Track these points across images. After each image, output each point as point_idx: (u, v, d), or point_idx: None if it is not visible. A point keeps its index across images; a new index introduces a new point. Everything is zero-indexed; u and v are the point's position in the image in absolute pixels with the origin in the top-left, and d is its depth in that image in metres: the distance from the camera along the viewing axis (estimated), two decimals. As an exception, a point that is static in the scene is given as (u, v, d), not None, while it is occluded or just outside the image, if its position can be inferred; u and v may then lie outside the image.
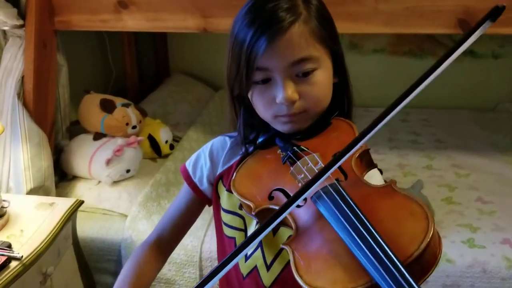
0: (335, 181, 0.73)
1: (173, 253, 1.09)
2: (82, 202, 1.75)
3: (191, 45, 3.23)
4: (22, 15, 1.85)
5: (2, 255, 1.39)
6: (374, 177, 0.91)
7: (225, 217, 0.98)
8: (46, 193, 1.93)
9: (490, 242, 1.77)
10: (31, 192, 1.86)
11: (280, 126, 0.90)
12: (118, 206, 1.99)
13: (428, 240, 0.61)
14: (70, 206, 1.69)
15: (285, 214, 0.71)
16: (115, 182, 2.04)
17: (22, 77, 1.88)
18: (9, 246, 1.45)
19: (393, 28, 1.84)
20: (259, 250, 0.91)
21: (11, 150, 1.86)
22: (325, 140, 0.87)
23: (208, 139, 1.08)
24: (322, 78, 0.85)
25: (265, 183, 0.83)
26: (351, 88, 0.96)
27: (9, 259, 1.39)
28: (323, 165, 0.78)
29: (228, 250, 0.99)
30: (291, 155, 0.84)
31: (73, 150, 2.09)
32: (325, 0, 1.74)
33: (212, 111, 2.82)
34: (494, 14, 0.67)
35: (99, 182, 2.06)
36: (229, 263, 0.69)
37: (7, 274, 1.36)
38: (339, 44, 0.91)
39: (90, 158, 2.02)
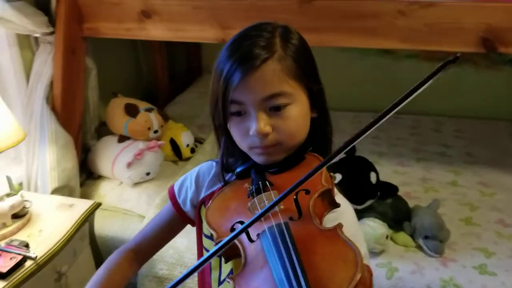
0: (282, 222, 0.75)
1: (165, 253, 1.14)
2: (99, 205, 1.83)
3: (224, 44, 3.27)
4: (52, 22, 1.94)
5: (19, 254, 1.49)
6: (344, 213, 0.90)
7: (205, 242, 1.02)
8: (70, 192, 2.04)
9: (503, 269, 1.73)
10: (55, 191, 1.98)
11: (256, 157, 0.92)
12: (137, 207, 2.07)
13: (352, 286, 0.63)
14: (88, 208, 1.78)
15: (222, 250, 0.73)
16: (136, 184, 2.13)
17: (51, 82, 1.99)
18: (27, 245, 1.55)
19: (412, 44, 1.81)
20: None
21: (39, 151, 1.97)
22: (294, 175, 0.89)
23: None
24: (296, 113, 0.87)
25: (230, 215, 0.86)
26: (330, 123, 0.98)
27: (25, 258, 1.49)
28: (279, 207, 0.80)
29: (205, 274, 1.04)
30: (254, 191, 0.86)
31: (99, 151, 2.19)
32: (343, 14, 1.74)
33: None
34: (454, 61, 0.68)
35: (121, 182, 2.15)
36: None
37: (22, 272, 1.46)
38: (317, 80, 0.92)
39: (113, 159, 2.12)
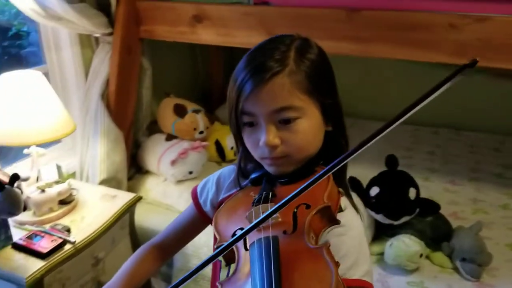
0: (271, 235, 0.76)
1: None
2: (140, 198, 1.93)
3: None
4: (112, 24, 2.07)
5: (60, 237, 1.61)
6: (351, 230, 0.89)
7: None
8: (117, 184, 2.16)
9: (543, 301, 1.62)
10: (104, 182, 2.10)
11: (267, 167, 0.94)
12: (178, 203, 2.15)
13: None
14: (129, 200, 1.88)
15: (218, 256, 0.76)
16: (179, 181, 2.21)
17: (107, 80, 2.11)
18: (68, 230, 1.67)
19: (462, 59, 1.72)
20: None
21: (92, 144, 2.11)
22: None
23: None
24: (305, 127, 0.88)
25: (234, 221, 0.89)
26: (346, 136, 0.97)
27: (65, 242, 1.60)
28: (277, 219, 0.81)
29: (216, 272, 1.07)
30: (256, 200, 0.88)
31: (148, 147, 2.29)
32: (392, 25, 1.71)
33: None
34: (472, 65, 0.67)
35: (165, 179, 2.24)
36: None
37: (61, 254, 1.57)
38: (332, 95, 0.92)
39: (159, 156, 2.21)
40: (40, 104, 1.64)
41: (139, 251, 1.13)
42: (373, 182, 1.92)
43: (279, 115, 0.86)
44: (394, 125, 0.74)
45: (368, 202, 1.88)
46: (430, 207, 1.91)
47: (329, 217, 0.83)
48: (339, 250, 0.85)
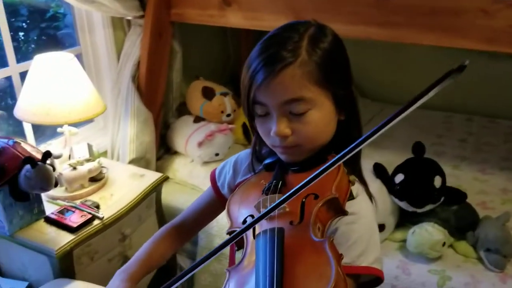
0: (277, 227, 0.78)
1: (208, 225, 1.24)
2: (167, 178, 1.99)
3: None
4: (143, 7, 2.11)
5: (89, 213, 1.68)
6: (362, 218, 0.90)
7: None
8: (146, 164, 2.22)
9: None
10: (133, 161, 2.17)
11: (279, 154, 0.96)
12: (204, 184, 2.19)
13: None
14: (156, 180, 1.94)
15: (227, 246, 0.78)
16: (205, 163, 2.25)
17: (138, 62, 2.16)
18: (97, 206, 1.74)
19: (493, 46, 1.69)
20: None
21: (122, 124, 2.17)
22: None
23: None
24: (316, 118, 0.88)
25: (245, 208, 0.91)
26: (359, 126, 0.98)
27: (93, 217, 1.67)
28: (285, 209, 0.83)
29: (232, 253, 1.11)
30: (266, 189, 0.90)
31: (176, 129, 2.35)
32: (420, 9, 1.68)
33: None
34: (461, 69, 0.65)
35: (192, 160, 2.29)
36: (182, 277, 0.80)
37: (89, 229, 1.64)
38: (345, 85, 0.92)
39: (187, 138, 2.26)
40: (72, 85, 1.70)
41: (158, 232, 1.18)
42: (398, 169, 1.91)
43: (289, 106, 0.87)
44: (392, 123, 0.72)
45: (392, 189, 1.87)
46: (456, 196, 1.89)
47: (337, 208, 0.84)
48: (348, 238, 0.87)
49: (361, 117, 0.98)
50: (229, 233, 0.88)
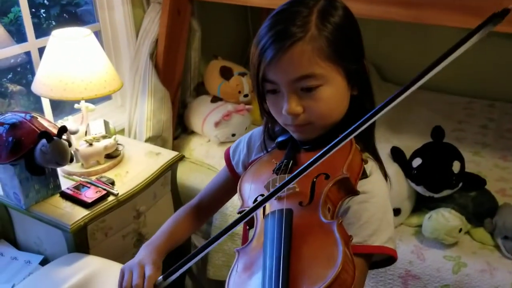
0: (285, 208, 0.77)
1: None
2: (182, 156, 1.99)
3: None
4: (163, -16, 2.10)
5: (104, 189, 1.69)
6: (374, 197, 0.88)
7: None
8: (163, 142, 2.23)
9: None
10: (149, 139, 2.17)
11: (291, 133, 0.94)
12: (220, 164, 2.19)
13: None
14: (172, 158, 1.94)
15: (236, 226, 0.78)
16: (222, 143, 2.25)
17: (157, 40, 2.15)
18: (112, 183, 1.75)
19: (520, 27, 1.64)
20: None
21: (140, 102, 2.18)
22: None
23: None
24: (328, 94, 0.86)
25: (256, 186, 0.90)
26: (373, 100, 0.95)
27: (108, 194, 1.69)
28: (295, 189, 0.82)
29: (245, 232, 1.10)
30: (277, 168, 0.89)
31: (193, 108, 2.34)
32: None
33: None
34: (504, 13, 0.64)
35: (209, 140, 2.29)
36: (195, 257, 0.81)
37: (104, 205, 1.65)
38: (357, 59, 0.90)
39: (204, 117, 2.26)
40: (88, 61, 1.70)
41: (178, 212, 1.18)
42: (416, 153, 1.88)
43: (300, 83, 0.85)
44: (420, 82, 0.70)
45: (409, 173, 1.84)
46: (475, 181, 1.85)
47: (348, 188, 0.83)
48: (360, 217, 0.85)
49: (374, 92, 0.95)
50: (239, 212, 0.87)
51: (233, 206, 2.00)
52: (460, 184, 1.80)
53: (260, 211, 0.83)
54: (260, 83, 0.89)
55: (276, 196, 0.78)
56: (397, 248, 1.78)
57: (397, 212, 1.81)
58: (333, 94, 0.87)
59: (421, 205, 1.89)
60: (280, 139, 0.99)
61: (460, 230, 1.74)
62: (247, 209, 0.82)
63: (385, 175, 0.97)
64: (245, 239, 1.12)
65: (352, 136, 0.73)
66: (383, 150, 1.96)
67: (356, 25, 0.91)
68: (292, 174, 0.75)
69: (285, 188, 0.78)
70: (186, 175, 2.20)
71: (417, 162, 1.83)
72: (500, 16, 0.61)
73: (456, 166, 1.80)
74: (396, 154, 1.91)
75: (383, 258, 0.89)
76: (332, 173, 0.82)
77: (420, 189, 1.82)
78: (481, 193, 1.85)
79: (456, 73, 2.87)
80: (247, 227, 0.94)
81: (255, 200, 0.86)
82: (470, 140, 2.48)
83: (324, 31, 0.84)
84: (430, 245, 1.76)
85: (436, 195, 1.80)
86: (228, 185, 1.15)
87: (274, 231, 0.74)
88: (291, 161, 0.90)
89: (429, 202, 1.85)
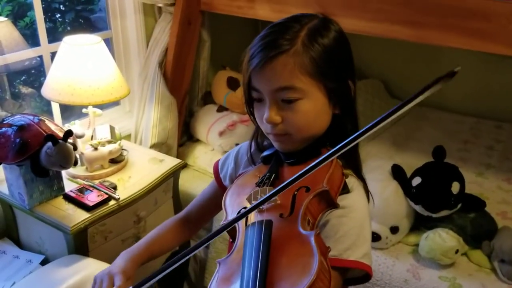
0: (265, 220, 0.79)
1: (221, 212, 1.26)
2: (185, 164, 2.02)
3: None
4: (175, -6, 2.14)
5: (106, 193, 1.73)
6: (354, 211, 0.91)
7: None
8: (168, 149, 2.26)
9: None
10: (154, 146, 2.21)
11: (273, 142, 0.97)
12: (223, 174, 2.22)
13: None
14: (174, 165, 1.97)
15: (219, 234, 0.80)
16: (226, 152, 2.26)
17: (166, 49, 2.20)
18: (115, 187, 1.78)
19: (523, 51, 1.65)
20: None
21: (147, 109, 2.22)
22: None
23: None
24: (306, 108, 0.89)
25: (240, 199, 0.92)
26: (355, 121, 0.98)
27: (109, 198, 1.72)
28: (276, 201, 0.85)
29: (230, 245, 1.12)
30: (259, 182, 0.91)
31: (200, 117, 2.38)
32: (449, 11, 1.65)
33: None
34: (452, 74, 0.66)
35: (213, 149, 2.32)
36: (172, 265, 0.81)
37: (106, 209, 1.69)
38: (341, 80, 0.93)
39: (209, 126, 2.29)
40: (97, 68, 1.75)
41: (164, 223, 1.21)
42: (416, 172, 1.88)
43: (281, 94, 0.89)
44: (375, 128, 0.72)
45: (409, 192, 1.85)
46: (474, 203, 1.85)
47: (328, 200, 0.85)
48: (337, 231, 0.88)
49: (358, 112, 0.98)
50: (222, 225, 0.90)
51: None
52: (459, 205, 1.81)
53: (242, 224, 0.85)
54: (247, 90, 0.93)
55: (258, 208, 0.81)
56: (393, 266, 1.79)
57: (395, 230, 1.82)
58: (311, 108, 0.90)
59: (419, 224, 1.89)
60: (265, 153, 1.02)
61: (457, 251, 1.74)
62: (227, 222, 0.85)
63: (367, 193, 1.00)
64: (230, 248, 1.14)
65: (333, 158, 0.75)
66: (385, 167, 1.97)
67: (346, 49, 0.95)
68: (275, 190, 0.77)
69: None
70: (189, 183, 2.23)
71: (416, 181, 1.84)
72: (450, 76, 0.64)
73: (455, 187, 1.80)
74: (397, 172, 1.92)
75: (358, 275, 0.90)
76: (312, 186, 0.84)
77: (418, 208, 1.83)
78: (481, 215, 1.85)
79: (465, 93, 2.89)
80: (230, 240, 0.96)
81: (238, 212, 0.88)
82: (475, 161, 2.47)
83: (309, 48, 0.88)
84: (426, 264, 1.77)
85: (434, 215, 1.80)
86: (216, 198, 1.16)
87: (253, 242, 0.76)
88: (273, 175, 0.92)
89: (427, 221, 1.85)
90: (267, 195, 0.78)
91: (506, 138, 2.74)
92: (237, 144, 2.24)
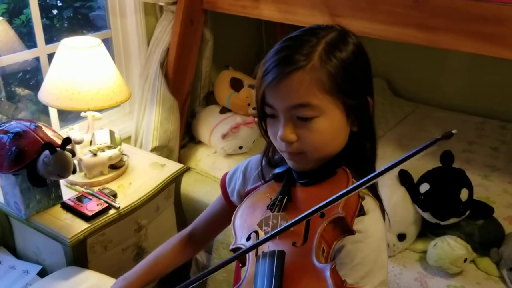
0: (277, 250, 0.75)
1: None
2: (188, 169, 1.97)
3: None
4: (176, -7, 2.07)
5: (106, 202, 1.67)
6: (369, 237, 0.86)
7: None
8: (169, 152, 2.21)
9: None
10: (155, 149, 2.16)
11: (286, 160, 0.92)
12: (225, 177, 2.17)
13: None
14: (177, 170, 1.92)
15: (229, 263, 0.76)
16: (229, 155, 2.23)
17: (168, 49, 2.13)
18: (115, 195, 1.73)
19: (533, 56, 1.60)
20: None
21: (148, 111, 2.16)
22: (318, 192, 0.87)
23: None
24: (323, 126, 0.85)
25: (250, 223, 0.87)
26: (373, 139, 0.94)
27: (109, 207, 1.67)
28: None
29: (238, 268, 1.08)
30: (271, 204, 0.86)
31: (202, 118, 2.33)
32: (460, 15, 1.60)
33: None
34: (449, 136, 0.62)
35: (216, 151, 2.27)
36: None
37: (105, 218, 1.63)
38: (360, 97, 0.88)
39: (212, 128, 2.24)
40: (97, 72, 1.69)
41: (167, 242, 1.16)
42: (424, 178, 1.84)
43: (296, 111, 0.84)
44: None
45: (417, 199, 1.80)
46: (482, 210, 1.81)
47: (343, 227, 0.80)
48: (354, 257, 0.83)
49: (376, 130, 0.94)
50: (232, 250, 0.85)
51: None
52: (468, 212, 1.77)
53: (252, 252, 0.80)
54: (260, 106, 0.89)
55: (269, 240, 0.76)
56: (401, 275, 1.75)
57: (402, 237, 1.78)
58: (329, 126, 0.85)
59: (427, 231, 1.86)
60: (277, 171, 0.97)
61: (465, 259, 1.70)
62: (241, 246, 0.81)
63: (383, 213, 0.95)
64: (237, 276, 1.10)
65: (348, 196, 0.70)
66: (391, 172, 1.91)
67: (365, 63, 0.90)
68: (289, 223, 0.72)
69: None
70: (191, 186, 2.18)
71: (424, 187, 1.80)
72: (447, 138, 0.61)
73: (464, 194, 1.76)
74: (404, 177, 1.87)
75: None
76: (327, 211, 0.79)
77: (426, 215, 1.79)
78: (489, 221, 1.81)
79: (472, 92, 2.85)
80: (240, 265, 0.91)
81: (249, 237, 0.84)
82: (480, 163, 2.43)
83: (327, 64, 0.83)
84: (434, 273, 1.73)
85: (442, 223, 1.76)
86: (223, 214, 1.13)
87: (264, 276, 0.72)
88: (286, 197, 0.87)
89: (435, 228, 1.82)
90: (281, 228, 0.73)
91: (510, 139, 2.70)
92: (240, 147, 2.22)
